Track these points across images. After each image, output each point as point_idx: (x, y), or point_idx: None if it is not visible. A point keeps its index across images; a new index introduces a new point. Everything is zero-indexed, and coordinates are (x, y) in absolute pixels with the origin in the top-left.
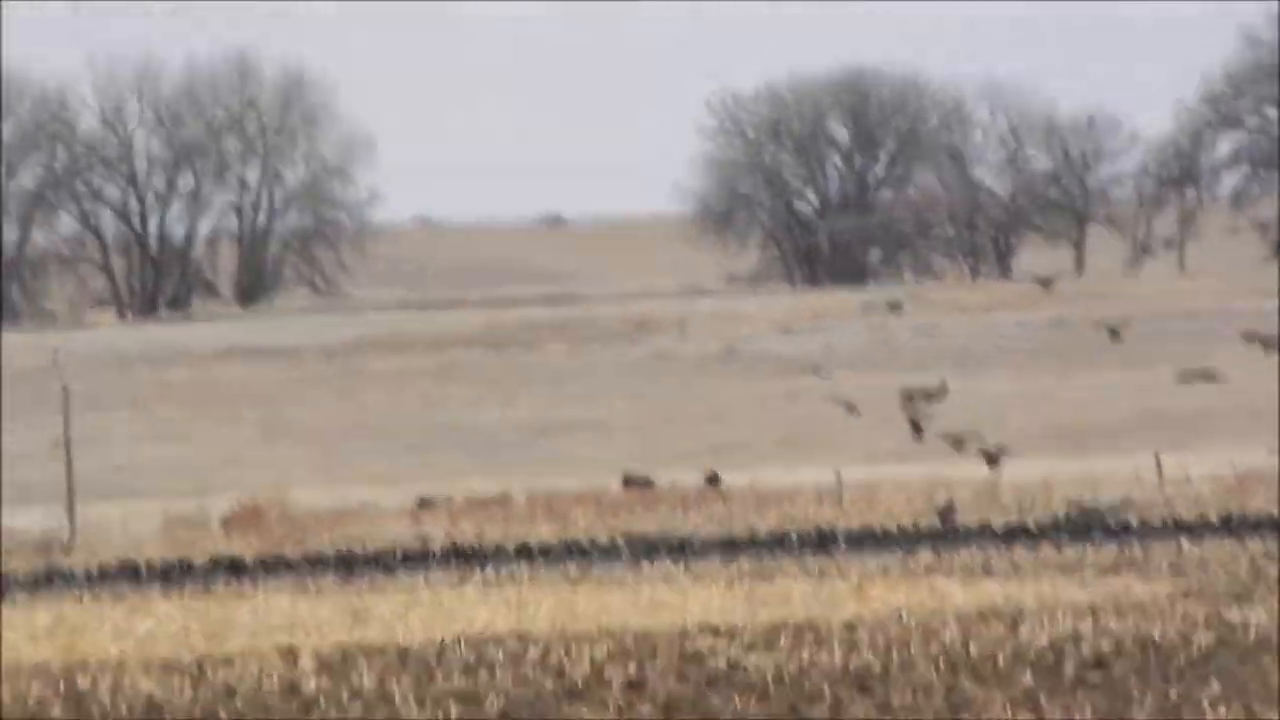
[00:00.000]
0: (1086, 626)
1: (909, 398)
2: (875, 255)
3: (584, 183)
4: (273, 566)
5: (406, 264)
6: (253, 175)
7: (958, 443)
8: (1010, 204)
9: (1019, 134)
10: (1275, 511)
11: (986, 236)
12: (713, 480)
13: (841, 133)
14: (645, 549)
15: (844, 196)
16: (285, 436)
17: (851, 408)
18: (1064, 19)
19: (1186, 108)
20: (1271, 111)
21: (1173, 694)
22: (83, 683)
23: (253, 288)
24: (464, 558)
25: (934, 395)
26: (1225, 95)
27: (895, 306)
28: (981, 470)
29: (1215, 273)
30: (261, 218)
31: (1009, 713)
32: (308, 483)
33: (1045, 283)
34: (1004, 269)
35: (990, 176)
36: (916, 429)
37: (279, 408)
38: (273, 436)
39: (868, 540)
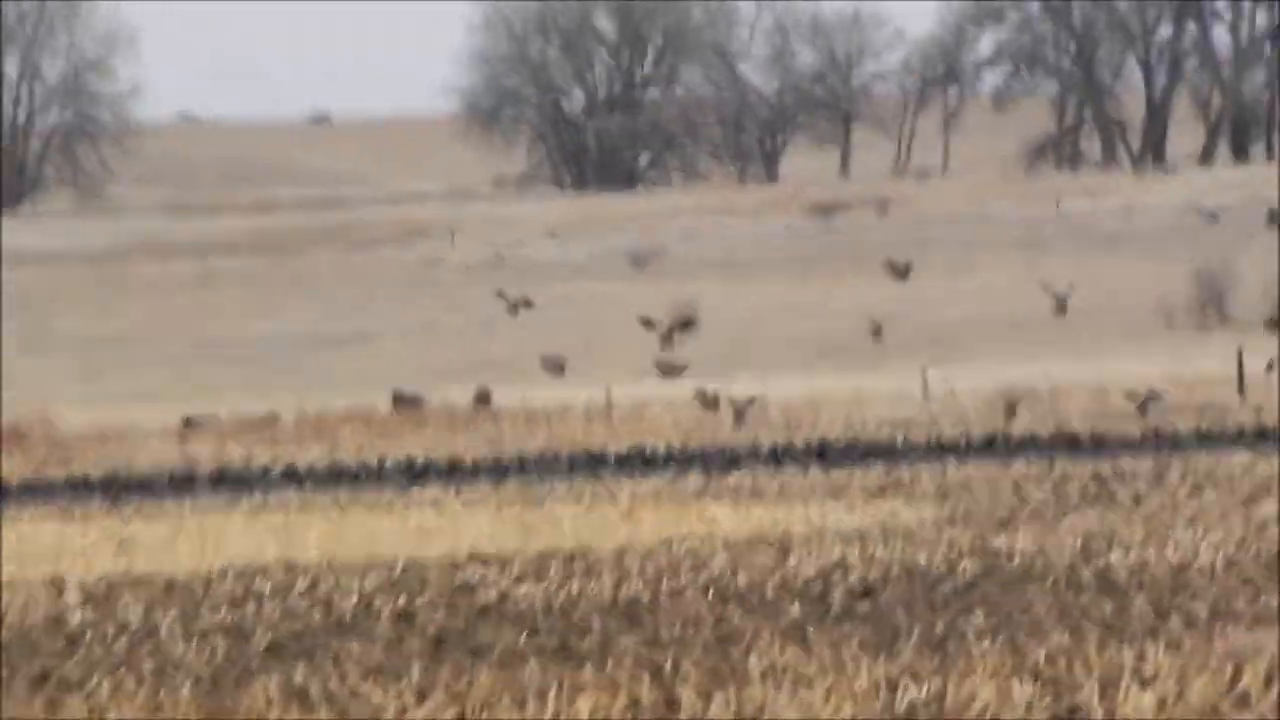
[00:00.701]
0: (854, 554)
1: (648, 325)
2: (644, 158)
3: (353, 82)
4: (37, 489)
5: (171, 163)
6: (11, 69)
7: (671, 370)
8: (776, 102)
9: (785, 30)
10: (1042, 431)
11: (753, 137)
12: (483, 399)
13: (609, 27)
14: (415, 472)
15: (611, 95)
16: (46, 349)
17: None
18: None
19: (949, 4)
20: (1033, 6)
21: (939, 626)
22: None
23: (11, 188)
24: (231, 482)
25: (677, 326)
26: None
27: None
28: (753, 386)
29: (975, 173)
30: (21, 114)
31: (777, 645)
32: (70, 399)
33: (826, 211)
34: (771, 171)
35: (757, 74)
36: (668, 349)
37: (39, 317)
38: (32, 348)
39: (637, 461)
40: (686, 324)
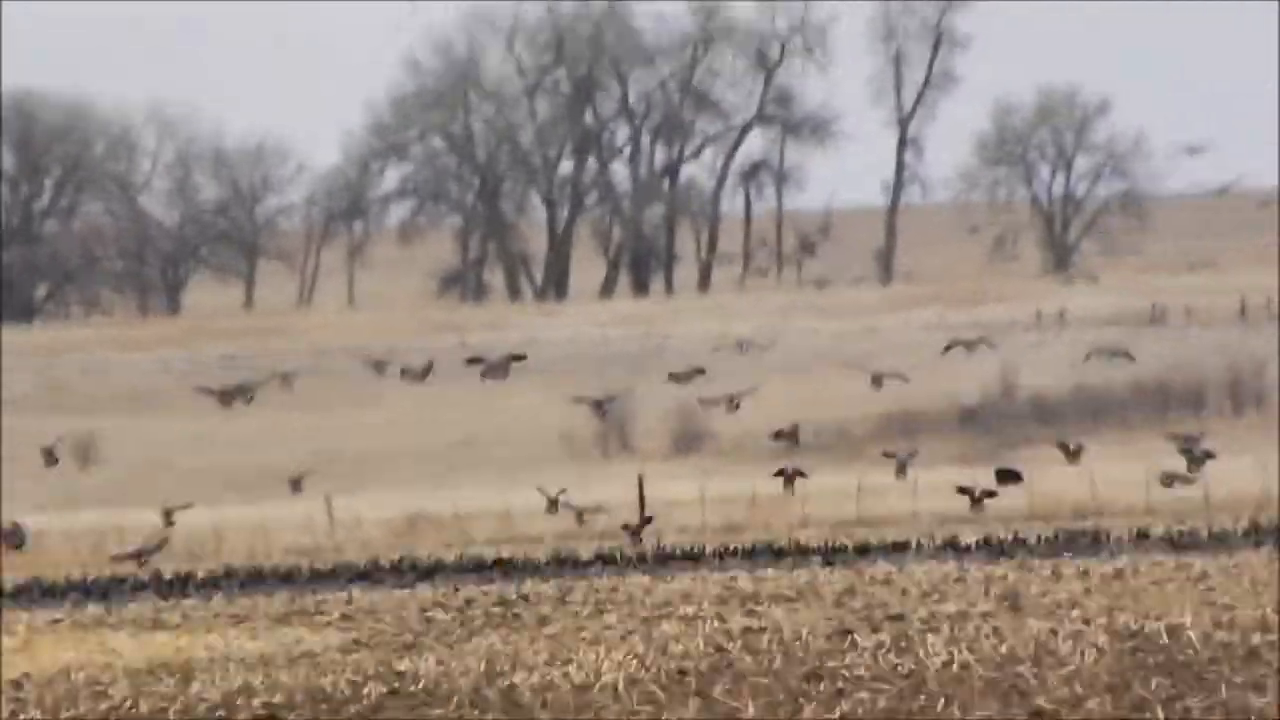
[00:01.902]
0: (258, 680)
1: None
2: (42, 290)
3: None
4: None
5: None
6: None
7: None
8: (179, 235)
9: (187, 162)
10: (447, 556)
11: (156, 269)
12: None
13: (8, 159)
14: None
15: (10, 227)
16: None
17: (50, 455)
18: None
19: (354, 137)
20: (437, 141)
21: None
22: None
23: None
24: None
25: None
26: (391, 125)
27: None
28: (155, 519)
29: (383, 307)
30: None
31: None
32: None
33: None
34: (173, 304)
35: (159, 207)
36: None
37: None
38: None
39: (35, 592)
40: (86, 454)
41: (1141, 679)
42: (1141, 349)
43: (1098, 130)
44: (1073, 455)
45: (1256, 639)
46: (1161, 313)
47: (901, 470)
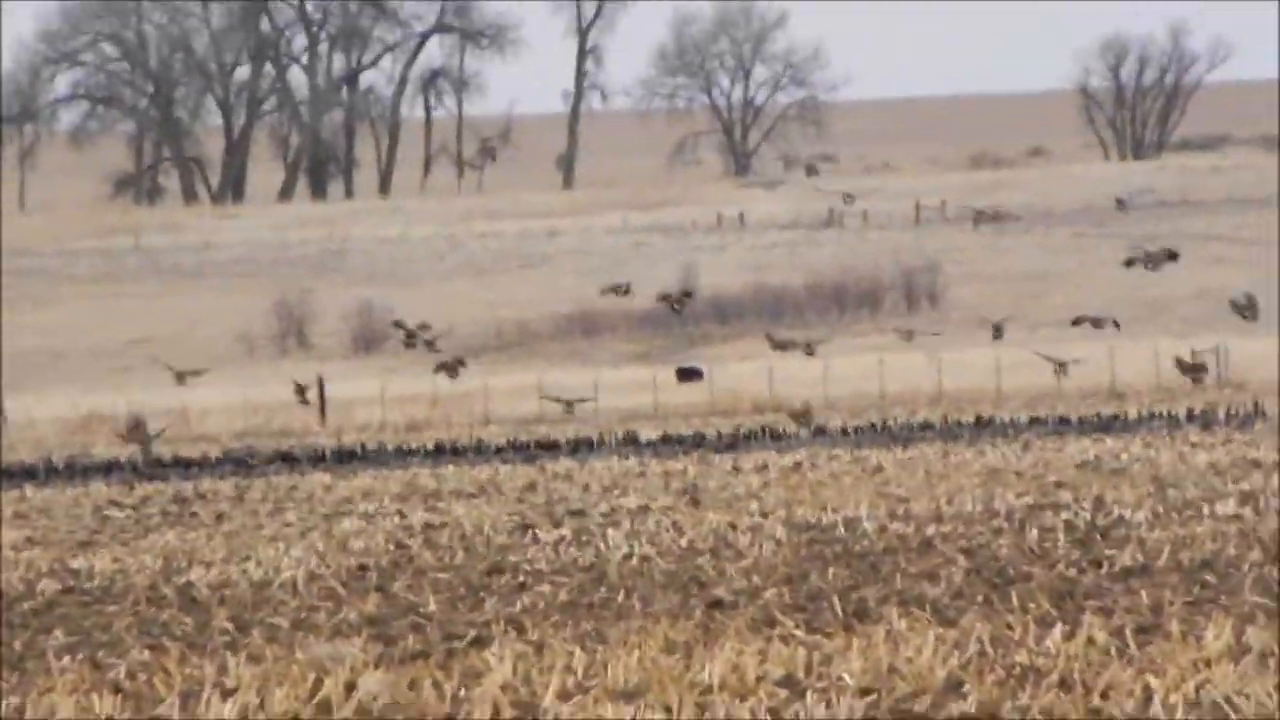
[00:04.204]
0: None
1: None
2: None
3: None
4: None
5: None
6: None
7: None
8: None
9: None
10: (121, 454)
11: None
12: None
13: None
14: None
15: None
16: None
17: None
18: None
19: (24, 44)
20: (109, 47)
21: (18, 645)
22: None
23: None
24: None
25: None
26: (62, 32)
27: None
28: None
29: (55, 210)
30: None
31: None
32: None
33: None
34: None
35: None
36: None
37: None
38: None
39: None
40: None
41: (819, 569)
42: (819, 251)
43: (776, 40)
44: (779, 346)
45: (930, 530)
46: (839, 217)
47: None
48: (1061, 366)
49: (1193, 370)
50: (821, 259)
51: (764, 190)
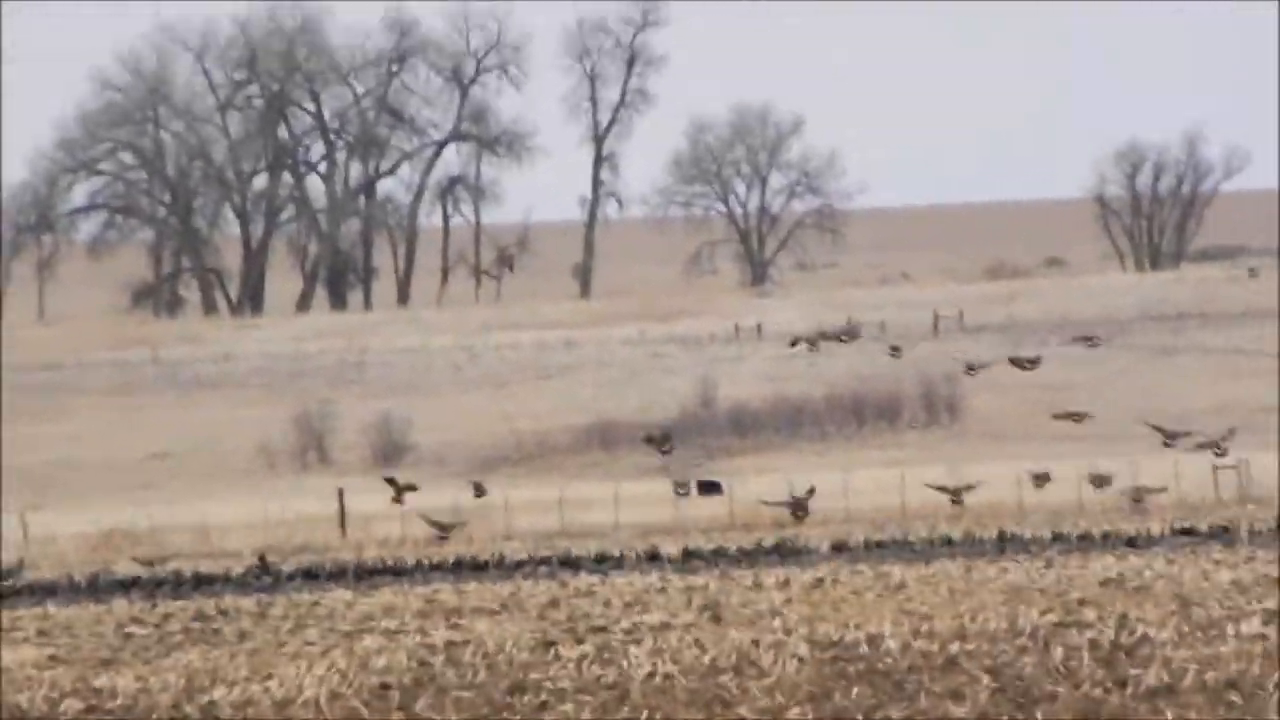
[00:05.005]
0: None
1: None
2: None
3: None
4: None
5: None
6: None
7: None
8: None
9: None
10: (144, 572)
11: None
12: None
13: None
14: None
15: None
16: None
17: None
18: None
19: (42, 153)
20: (127, 156)
21: None
22: None
23: None
24: None
25: None
26: (80, 141)
27: None
28: None
29: (73, 321)
30: None
31: None
32: None
33: None
34: None
35: None
36: None
37: None
38: None
39: None
40: None
41: (842, 688)
42: (836, 362)
43: (791, 148)
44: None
45: (954, 648)
46: (856, 327)
47: None
48: (956, 495)
49: (1099, 482)
50: (838, 370)
51: (780, 300)
